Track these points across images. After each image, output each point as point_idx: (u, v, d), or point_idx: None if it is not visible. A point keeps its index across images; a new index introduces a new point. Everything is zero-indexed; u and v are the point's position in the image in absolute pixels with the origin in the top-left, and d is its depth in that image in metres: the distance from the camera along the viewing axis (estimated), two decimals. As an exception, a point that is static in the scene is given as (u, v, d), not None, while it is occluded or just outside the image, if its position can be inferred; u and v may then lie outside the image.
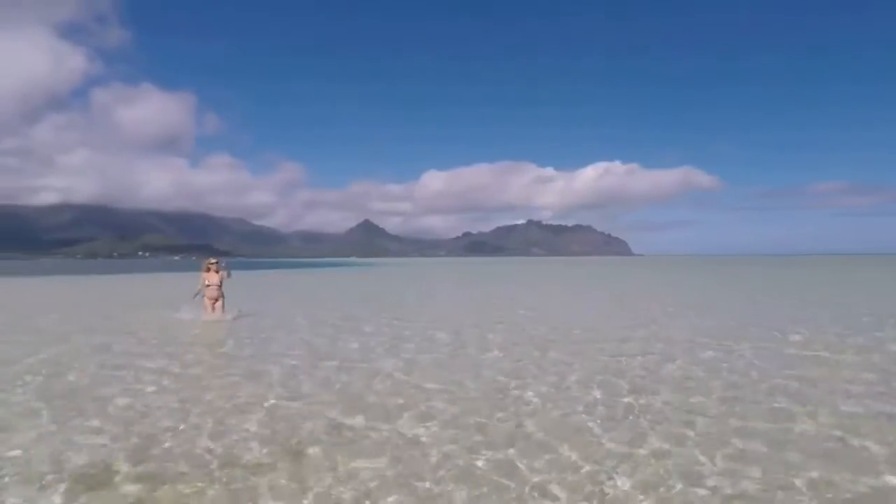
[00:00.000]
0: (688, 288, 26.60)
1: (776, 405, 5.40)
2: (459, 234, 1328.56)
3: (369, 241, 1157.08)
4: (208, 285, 12.13)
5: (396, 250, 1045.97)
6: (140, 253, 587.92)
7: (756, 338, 9.67)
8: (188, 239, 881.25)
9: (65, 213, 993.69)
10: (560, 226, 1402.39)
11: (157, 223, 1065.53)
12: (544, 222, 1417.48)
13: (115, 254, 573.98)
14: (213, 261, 12.50)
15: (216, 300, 12.22)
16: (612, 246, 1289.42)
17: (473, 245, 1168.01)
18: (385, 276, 46.60)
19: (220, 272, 12.29)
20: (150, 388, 6.16)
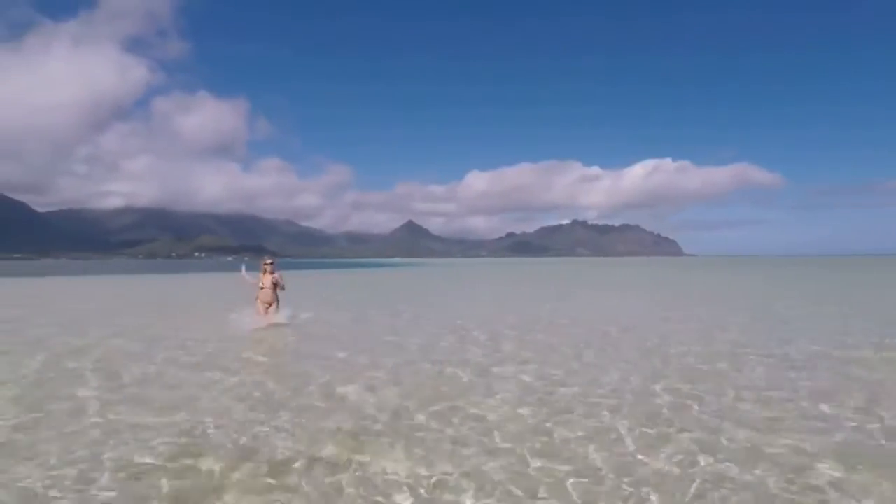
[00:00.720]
0: (748, 290, 25.24)
1: None
2: (503, 235, 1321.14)
3: (413, 241, 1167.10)
4: (262, 287, 11.41)
5: (440, 251, 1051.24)
6: (196, 254, 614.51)
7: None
8: (240, 240, 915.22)
9: (129, 216, 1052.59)
10: (606, 225, 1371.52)
11: (212, 225, 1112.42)
12: (590, 222, 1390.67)
13: (174, 254, 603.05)
14: (269, 261, 11.67)
15: (270, 304, 11.48)
16: (661, 246, 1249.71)
17: (517, 245, 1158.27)
18: (433, 275, 46.81)
19: (275, 274, 11.45)
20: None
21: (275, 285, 11.42)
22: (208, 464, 3.98)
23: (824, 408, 5.40)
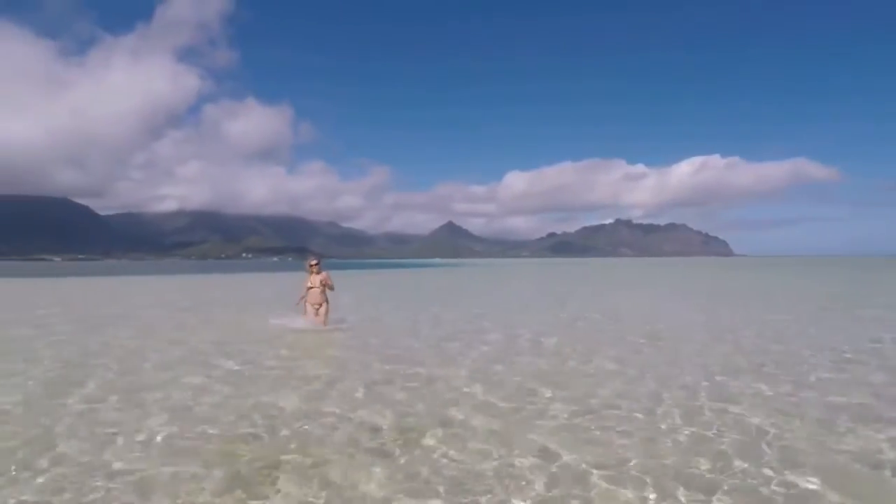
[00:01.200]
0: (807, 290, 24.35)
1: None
2: (544, 235, 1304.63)
3: (453, 242, 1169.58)
4: (310, 288, 10.96)
5: (481, 251, 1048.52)
6: (244, 255, 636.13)
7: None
8: (285, 241, 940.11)
9: (181, 219, 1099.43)
10: (651, 225, 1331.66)
11: (258, 227, 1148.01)
12: (634, 221, 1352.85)
13: (223, 255, 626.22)
14: (314, 261, 11.17)
15: (319, 305, 10.97)
16: (710, 246, 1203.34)
17: (559, 245, 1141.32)
18: (478, 275, 47.05)
19: (322, 273, 10.97)
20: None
21: (323, 285, 10.96)
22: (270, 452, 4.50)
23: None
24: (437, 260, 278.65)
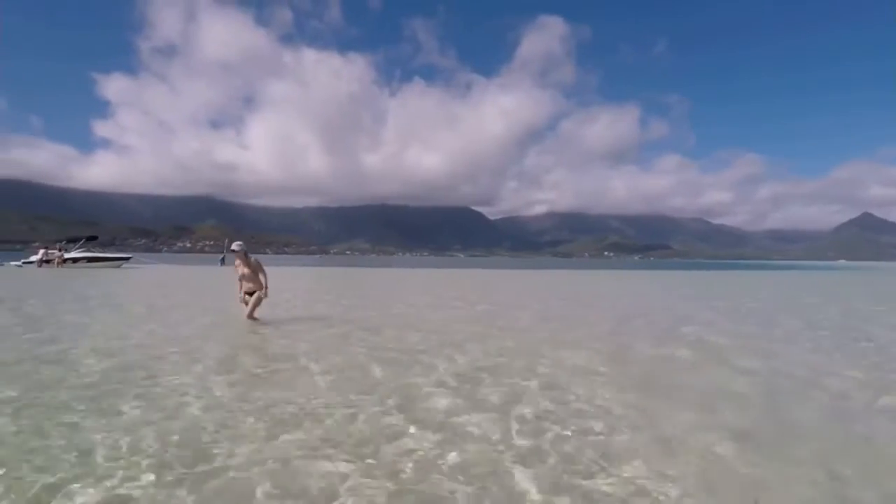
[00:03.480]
0: None
1: None
2: None
3: (867, 239, 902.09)
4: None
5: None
6: (605, 253, 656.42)
7: None
8: (646, 240, 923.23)
9: (550, 221, 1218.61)
10: None
11: (619, 225, 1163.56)
12: None
13: (586, 254, 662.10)
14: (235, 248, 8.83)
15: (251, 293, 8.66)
16: None
17: None
18: None
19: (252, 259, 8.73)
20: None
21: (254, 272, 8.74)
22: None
23: None
24: (842, 262, 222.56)
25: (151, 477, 2.65)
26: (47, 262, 31.57)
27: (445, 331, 7.72)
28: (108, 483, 2.57)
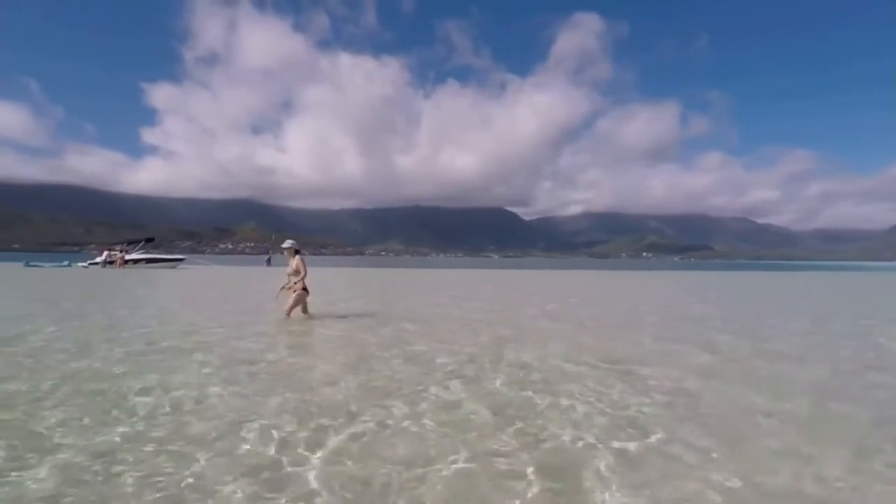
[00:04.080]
0: None
1: None
2: None
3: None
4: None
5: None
6: (644, 254, 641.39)
7: None
8: (687, 240, 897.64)
9: (585, 221, 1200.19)
10: None
11: (658, 225, 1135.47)
12: None
13: (623, 255, 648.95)
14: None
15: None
16: None
17: None
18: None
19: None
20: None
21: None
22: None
23: None
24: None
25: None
26: (110, 263, 33.88)
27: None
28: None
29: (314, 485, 2.62)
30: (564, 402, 4.01)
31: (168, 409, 3.72)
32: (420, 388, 4.37)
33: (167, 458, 2.89)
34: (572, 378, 4.78)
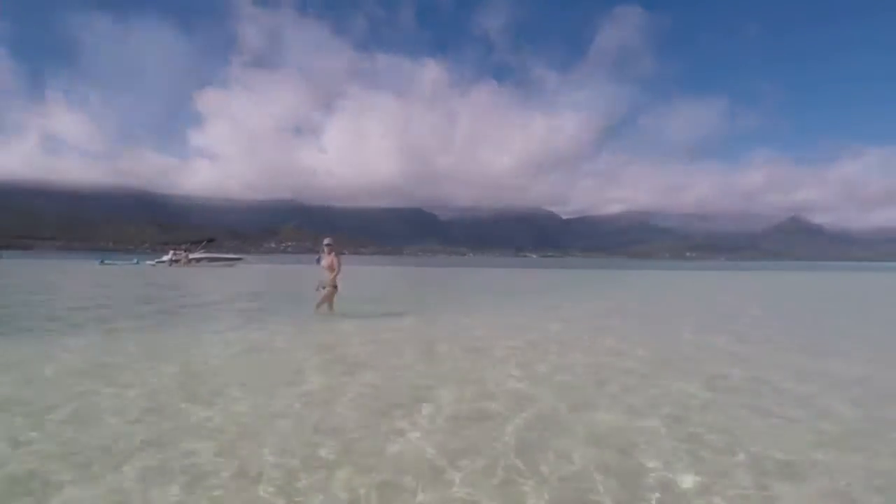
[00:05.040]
0: None
1: None
2: None
3: None
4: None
5: None
6: (688, 254, 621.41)
7: None
8: (734, 240, 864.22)
9: (626, 220, 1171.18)
10: None
11: (703, 225, 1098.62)
12: None
13: (666, 254, 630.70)
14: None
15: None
16: None
17: None
18: None
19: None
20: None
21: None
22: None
23: None
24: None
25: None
26: (176, 261, 37.18)
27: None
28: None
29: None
30: None
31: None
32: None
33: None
34: None
